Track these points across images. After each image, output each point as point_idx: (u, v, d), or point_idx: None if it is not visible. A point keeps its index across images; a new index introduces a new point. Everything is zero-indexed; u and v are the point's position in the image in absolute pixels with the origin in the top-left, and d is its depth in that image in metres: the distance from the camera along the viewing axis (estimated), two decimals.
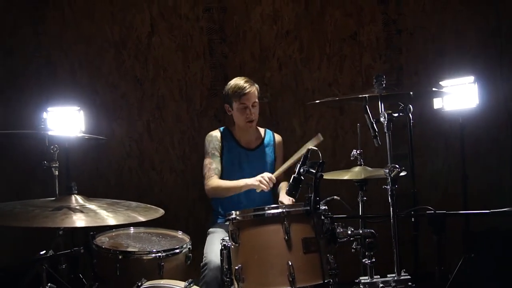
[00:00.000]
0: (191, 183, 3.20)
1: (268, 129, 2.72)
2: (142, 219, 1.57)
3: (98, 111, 3.20)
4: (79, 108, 2.69)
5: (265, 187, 2.23)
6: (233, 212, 1.67)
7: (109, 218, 1.45)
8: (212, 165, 2.45)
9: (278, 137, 2.70)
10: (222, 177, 2.47)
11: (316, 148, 1.71)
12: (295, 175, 1.65)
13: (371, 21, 3.23)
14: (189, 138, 3.22)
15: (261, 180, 2.23)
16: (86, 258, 1.77)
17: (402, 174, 2.24)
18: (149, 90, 3.22)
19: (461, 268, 2.58)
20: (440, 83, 2.75)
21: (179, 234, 2.24)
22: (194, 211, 3.22)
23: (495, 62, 3.28)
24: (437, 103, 2.71)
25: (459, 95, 2.55)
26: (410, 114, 2.26)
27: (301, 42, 3.23)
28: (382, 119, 1.76)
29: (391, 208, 1.60)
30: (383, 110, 1.80)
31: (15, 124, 2.93)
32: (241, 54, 3.22)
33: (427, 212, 1.70)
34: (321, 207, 1.61)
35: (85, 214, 1.44)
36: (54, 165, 2.15)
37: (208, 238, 2.36)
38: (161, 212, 1.69)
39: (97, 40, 3.22)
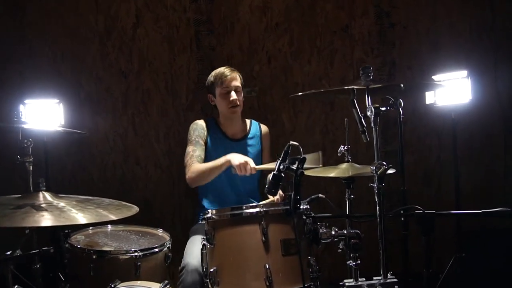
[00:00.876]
0: (176, 179, 3.11)
1: (254, 119, 2.63)
2: (113, 217, 1.48)
3: (82, 104, 3.11)
4: (58, 100, 2.59)
5: (241, 173, 2.14)
6: (209, 210, 1.59)
7: (76, 217, 1.36)
8: (195, 152, 2.36)
9: (264, 128, 2.62)
10: None
11: (297, 144, 1.62)
12: (274, 171, 1.56)
13: (363, 13, 3.14)
14: (174, 133, 3.13)
15: (243, 164, 2.12)
16: (60, 257, 1.67)
17: (390, 171, 2.16)
18: (134, 83, 3.12)
19: (452, 267, 2.52)
20: (433, 77, 2.67)
21: (159, 232, 2.16)
22: (180, 207, 3.14)
23: (490, 57, 3.20)
24: (429, 98, 2.63)
25: (452, 90, 2.47)
26: (400, 109, 2.19)
27: (291, 35, 3.13)
28: (369, 113, 1.67)
29: (378, 207, 1.52)
30: (370, 104, 1.70)
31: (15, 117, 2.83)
32: (229, 46, 3.13)
33: (416, 212, 1.61)
34: (302, 206, 1.53)
35: (50, 212, 1.35)
36: (27, 160, 2.04)
37: (190, 238, 2.27)
38: (135, 210, 1.60)
39: (81, 31, 3.12)
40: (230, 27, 3.13)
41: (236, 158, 2.16)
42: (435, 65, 3.17)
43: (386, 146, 3.17)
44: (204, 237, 1.74)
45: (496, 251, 2.59)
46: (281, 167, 1.53)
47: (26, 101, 2.53)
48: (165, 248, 1.97)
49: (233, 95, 2.36)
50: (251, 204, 1.59)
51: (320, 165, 2.02)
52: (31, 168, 2.06)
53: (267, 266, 1.45)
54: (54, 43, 3.09)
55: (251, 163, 2.13)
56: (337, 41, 3.15)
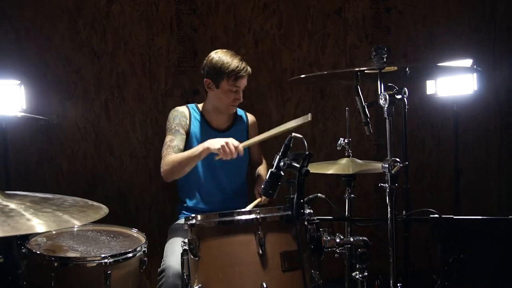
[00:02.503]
0: (153, 171, 2.87)
1: (239, 108, 2.38)
2: (76, 222, 1.23)
3: (49, 87, 2.81)
4: (19, 82, 2.30)
5: (227, 156, 1.87)
6: (194, 216, 1.35)
7: (29, 224, 1.12)
8: (173, 142, 2.09)
9: (251, 117, 2.39)
10: None
11: (300, 136, 1.40)
12: (272, 169, 1.34)
13: None
14: (152, 120, 2.88)
15: (225, 146, 1.86)
16: (12, 267, 1.42)
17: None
18: (108, 65, 2.84)
19: (449, 268, 2.38)
20: (438, 65, 2.48)
21: (134, 232, 1.92)
22: (157, 201, 2.90)
23: (488, 48, 3.06)
24: (430, 88, 2.45)
25: (455, 80, 2.29)
26: (405, 99, 2.01)
27: (280, 17, 2.90)
28: (381, 102, 1.45)
29: (389, 211, 1.32)
30: (383, 91, 1.48)
31: None
32: (213, 27, 2.87)
33: (431, 216, 1.42)
34: (305, 211, 1.30)
35: None
36: None
37: (169, 238, 2.03)
38: (103, 212, 1.35)
39: (47, 5, 2.80)
40: (214, 6, 2.87)
41: (215, 142, 1.90)
42: (431, 53, 3.01)
43: (379, 139, 2.99)
44: (184, 240, 1.52)
45: (495, 253, 2.46)
46: (281, 164, 1.31)
47: None
48: (140, 253, 1.74)
49: (240, 96, 2.14)
50: (243, 210, 1.35)
51: (310, 119, 1.86)
52: None
53: (265, 285, 1.22)
54: (15, 17, 2.77)
55: (234, 142, 1.88)
56: (330, 24, 2.94)
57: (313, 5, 2.91)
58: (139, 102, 2.87)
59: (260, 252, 1.24)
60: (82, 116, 2.84)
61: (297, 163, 1.27)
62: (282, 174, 1.33)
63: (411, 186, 2.98)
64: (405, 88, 1.76)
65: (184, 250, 1.49)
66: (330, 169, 1.85)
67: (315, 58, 2.94)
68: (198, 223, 1.32)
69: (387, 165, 1.31)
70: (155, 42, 2.85)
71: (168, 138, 2.12)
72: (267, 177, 1.35)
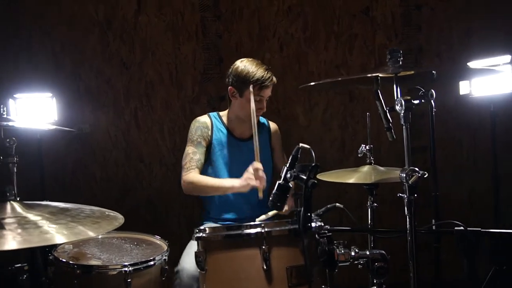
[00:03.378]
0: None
1: (261, 116, 2.35)
2: (91, 234, 1.26)
3: (81, 98, 2.92)
4: (51, 94, 2.39)
5: (255, 183, 1.86)
6: (201, 228, 1.33)
7: (43, 236, 1.15)
8: (196, 155, 2.10)
9: (273, 125, 2.34)
10: (207, 170, 2.14)
11: (308, 146, 1.35)
12: (280, 181, 1.30)
13: None
14: (179, 128, 2.91)
15: (249, 177, 1.85)
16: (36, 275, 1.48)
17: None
18: (136, 74, 2.91)
19: (490, 280, 2.23)
20: (468, 64, 2.34)
21: (157, 239, 1.94)
22: (186, 207, 2.93)
23: None
24: (463, 88, 2.31)
25: (491, 78, 2.15)
26: (432, 101, 1.90)
27: (305, 19, 2.85)
28: (398, 107, 1.38)
29: (408, 222, 1.24)
30: (399, 96, 1.41)
31: None
32: (238, 33, 2.87)
33: (456, 228, 1.32)
34: (315, 224, 1.25)
35: (10, 231, 1.13)
36: (11, 161, 1.85)
37: (190, 242, 2.04)
38: (118, 222, 1.37)
39: (80, 20, 2.91)
40: (238, 12, 2.87)
41: (239, 181, 1.91)
42: (467, 51, 2.85)
43: (413, 142, 2.84)
44: None
45: None
46: (288, 175, 1.26)
47: (17, 95, 2.34)
48: (161, 261, 1.75)
49: (264, 106, 2.12)
50: (251, 223, 1.31)
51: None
52: (15, 170, 1.87)
53: None
54: (52, 33, 2.90)
55: (250, 169, 1.87)
56: (357, 25, 2.85)
57: (339, 6, 2.84)
58: (167, 110, 2.91)
59: (265, 267, 1.22)
60: (113, 124, 2.92)
61: (304, 175, 1.22)
62: (291, 186, 1.28)
63: (447, 192, 2.86)
64: (432, 90, 1.66)
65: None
66: (351, 177, 1.78)
67: (342, 60, 2.87)
68: (205, 236, 1.31)
69: (404, 175, 1.23)
70: (181, 51, 2.89)
71: (190, 149, 2.13)
72: (274, 189, 1.32)
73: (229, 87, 2.17)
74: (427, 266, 2.51)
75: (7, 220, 1.21)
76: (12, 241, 1.08)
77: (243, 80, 2.08)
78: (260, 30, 2.86)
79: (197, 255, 1.31)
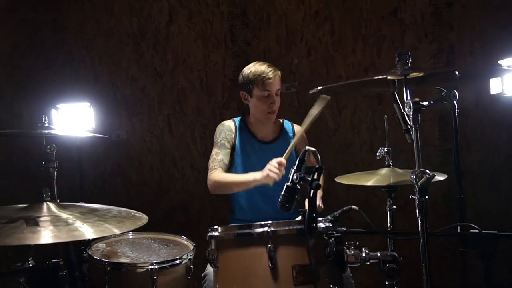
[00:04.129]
0: None
1: (286, 119, 2.38)
2: (116, 231, 1.36)
3: (118, 106, 3.09)
4: (89, 104, 2.56)
5: (276, 176, 1.86)
6: (214, 227, 1.39)
7: (72, 233, 1.25)
8: (218, 156, 2.16)
9: (298, 128, 2.35)
10: (232, 172, 2.20)
11: (314, 149, 1.38)
12: (288, 183, 1.33)
13: None
14: (210, 133, 2.96)
15: (270, 170, 1.87)
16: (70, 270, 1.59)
17: (441, 178, 1.84)
18: (169, 82, 3.04)
19: None
20: (500, 62, 2.26)
21: (183, 240, 2.01)
22: (218, 210, 3.00)
23: None
24: (495, 87, 2.24)
25: None
26: (455, 102, 1.86)
27: (332, 23, 2.86)
28: (407, 109, 1.38)
29: (420, 224, 1.23)
30: (408, 98, 1.41)
31: (37, 122, 2.88)
32: (266, 39, 2.92)
33: (471, 231, 1.30)
34: (322, 225, 1.28)
35: (43, 227, 1.25)
36: (51, 166, 2.00)
37: None
38: (142, 221, 1.46)
39: (116, 33, 3.09)
40: (266, 19, 2.92)
41: (260, 175, 1.93)
42: (503, 48, 2.73)
43: (444, 144, 2.79)
44: None
45: None
46: (295, 177, 1.30)
47: (59, 105, 2.52)
48: (186, 260, 1.82)
49: (275, 101, 2.14)
50: (261, 222, 1.36)
51: (329, 98, 1.87)
52: (55, 174, 2.01)
53: None
54: (91, 46, 3.10)
55: (273, 162, 1.89)
56: (385, 26, 2.82)
57: (366, 8, 2.82)
58: (198, 116, 3.01)
59: (270, 265, 1.25)
60: (147, 131, 3.06)
61: (309, 177, 1.24)
62: (298, 187, 1.31)
63: (485, 195, 2.75)
64: (455, 91, 1.64)
65: None
66: (370, 180, 1.77)
67: (370, 62, 2.84)
68: (217, 235, 1.37)
69: (414, 177, 1.23)
70: (211, 58, 2.98)
71: (214, 151, 2.20)
72: (283, 191, 1.35)
73: (240, 92, 2.24)
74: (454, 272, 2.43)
75: (42, 218, 1.33)
76: (44, 237, 1.19)
77: (248, 81, 2.15)
78: (288, 35, 2.90)
79: (209, 253, 1.37)
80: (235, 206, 2.25)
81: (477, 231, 1.29)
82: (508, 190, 2.77)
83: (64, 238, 1.21)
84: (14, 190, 2.81)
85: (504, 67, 2.15)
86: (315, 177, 1.23)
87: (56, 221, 1.31)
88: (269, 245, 1.26)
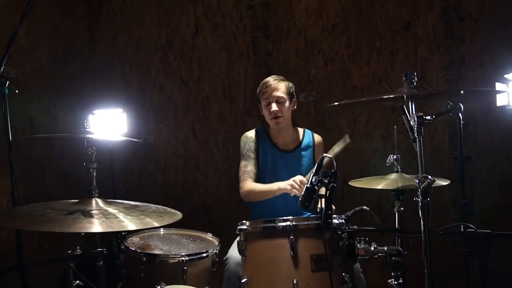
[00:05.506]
0: (235, 184, 3.14)
1: (308, 128, 2.56)
2: (156, 224, 1.55)
3: (147, 112, 3.30)
4: (122, 110, 2.78)
5: (297, 192, 2.10)
6: (243, 222, 1.59)
7: (121, 223, 1.45)
8: (247, 167, 2.37)
9: (318, 138, 2.52)
10: (257, 180, 2.39)
11: (330, 156, 1.55)
12: (308, 185, 1.52)
13: (427, 9, 2.93)
14: (233, 138, 3.19)
15: (293, 184, 2.11)
16: (112, 258, 1.80)
17: (444, 183, 1.99)
18: (194, 90, 3.24)
19: None
20: (506, 76, 2.41)
21: (209, 236, 2.21)
22: (238, 211, 3.19)
23: None
24: (500, 100, 2.38)
25: None
26: (460, 114, 2.01)
27: (349, 36, 3.03)
28: (412, 123, 1.56)
29: (422, 223, 1.40)
30: (413, 112, 1.59)
31: (72, 125, 3.12)
32: (285, 51, 3.11)
33: (467, 230, 1.46)
34: (336, 221, 1.46)
35: (97, 219, 1.45)
36: (91, 166, 2.21)
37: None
38: (177, 217, 1.66)
39: (145, 43, 3.32)
40: (286, 32, 3.11)
41: (284, 183, 2.16)
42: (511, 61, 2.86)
43: (455, 152, 2.92)
44: None
45: None
46: (313, 180, 1.48)
47: (95, 111, 2.74)
48: (212, 254, 2.01)
49: (273, 107, 2.32)
50: (283, 218, 1.56)
51: (348, 141, 2.05)
52: (94, 174, 2.22)
53: (295, 282, 1.42)
54: (122, 55, 3.33)
55: (297, 178, 2.10)
56: (399, 40, 2.98)
57: (380, 22, 2.99)
58: (221, 122, 3.21)
59: (292, 254, 1.45)
60: (173, 135, 3.27)
61: (326, 179, 1.43)
62: (316, 189, 1.50)
63: (494, 200, 2.87)
64: (460, 104, 1.80)
65: None
66: (380, 184, 1.95)
67: (384, 73, 3.00)
68: (246, 228, 1.56)
69: (417, 181, 1.40)
70: (234, 68, 3.18)
71: (242, 163, 2.40)
72: (303, 192, 1.54)
73: (258, 105, 2.47)
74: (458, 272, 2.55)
75: (93, 212, 1.53)
76: (98, 226, 1.39)
77: (257, 94, 2.44)
78: (306, 47, 3.08)
79: (239, 243, 1.57)
80: (257, 211, 2.40)
81: (473, 230, 1.45)
82: None
83: (116, 228, 1.41)
84: (50, 187, 3.05)
85: (503, 86, 2.30)
86: (331, 180, 1.41)
87: (106, 214, 1.51)
88: (291, 237, 1.45)
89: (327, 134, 2.68)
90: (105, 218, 1.46)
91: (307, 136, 2.50)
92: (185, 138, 3.27)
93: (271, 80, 2.38)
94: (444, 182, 1.97)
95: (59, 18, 3.23)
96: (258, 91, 2.42)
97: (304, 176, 2.17)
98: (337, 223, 1.48)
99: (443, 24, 2.93)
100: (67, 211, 1.49)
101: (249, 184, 2.33)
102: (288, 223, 1.50)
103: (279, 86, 2.34)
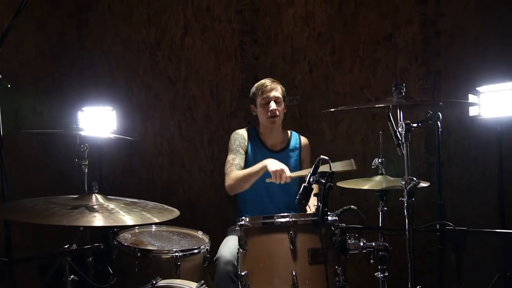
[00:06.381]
0: (219, 183, 3.24)
1: (294, 131, 2.68)
2: (156, 220, 1.61)
3: (134, 110, 3.33)
4: (112, 108, 2.80)
5: (276, 180, 2.17)
6: (243, 218, 1.68)
7: (124, 219, 1.51)
8: (235, 160, 2.43)
9: (304, 140, 2.65)
10: None
11: (327, 158, 1.67)
12: (305, 184, 1.63)
13: (407, 22, 3.11)
14: (218, 138, 3.27)
15: (278, 171, 2.15)
16: (108, 253, 1.84)
17: (425, 184, 2.15)
18: (181, 90, 3.30)
19: (495, 286, 2.44)
20: (478, 88, 2.60)
21: (199, 234, 2.28)
22: (221, 210, 3.27)
23: None
24: (473, 110, 2.57)
25: (497, 101, 2.40)
26: (439, 122, 2.17)
27: (333, 45, 3.17)
28: (400, 129, 1.70)
29: (407, 222, 1.54)
30: (401, 120, 1.73)
31: (58, 122, 3.11)
32: (272, 56, 3.22)
33: (446, 228, 1.61)
34: (330, 218, 1.58)
35: (101, 213, 1.50)
36: (83, 163, 2.25)
37: (226, 236, 2.38)
38: (175, 213, 1.73)
39: (134, 41, 3.34)
40: (273, 37, 3.22)
41: (273, 164, 2.20)
42: (482, 75, 3.07)
43: (430, 158, 3.11)
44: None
45: None
46: (311, 179, 1.60)
47: (84, 108, 2.76)
48: (204, 250, 2.09)
49: (272, 105, 2.43)
50: (282, 214, 1.66)
51: (355, 168, 2.10)
52: (86, 171, 2.26)
53: (294, 273, 1.52)
54: (110, 53, 3.34)
55: (287, 171, 2.18)
56: (380, 50, 3.14)
57: (364, 32, 3.14)
58: (207, 122, 3.28)
59: (291, 247, 1.56)
60: (159, 134, 3.31)
61: (323, 179, 1.55)
62: (313, 188, 1.61)
63: (462, 203, 3.08)
64: (439, 113, 1.95)
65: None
66: (366, 185, 2.09)
67: (366, 81, 3.16)
68: (246, 223, 1.66)
69: (404, 182, 1.54)
70: (222, 70, 3.26)
71: (230, 157, 2.47)
72: (300, 190, 1.65)
73: (250, 106, 2.60)
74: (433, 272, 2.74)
75: (95, 207, 1.58)
76: (105, 220, 1.44)
77: (253, 94, 2.55)
78: (293, 53, 3.20)
79: (240, 238, 1.66)
80: (244, 205, 2.52)
81: (451, 227, 1.61)
82: (482, 199, 3.12)
83: (121, 222, 1.47)
84: (32, 183, 3.03)
85: (477, 96, 2.50)
86: (328, 180, 1.52)
87: (110, 209, 1.57)
88: (291, 232, 1.56)
89: (310, 137, 2.79)
90: (109, 213, 1.51)
91: (294, 138, 2.63)
92: (171, 137, 3.32)
93: (269, 81, 2.49)
94: (425, 184, 2.13)
95: (46, 13, 3.21)
96: (253, 91, 2.52)
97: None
98: (331, 220, 1.60)
99: (422, 37, 3.11)
100: (70, 206, 1.53)
101: (234, 173, 2.37)
102: (287, 219, 1.61)
103: (277, 87, 2.47)
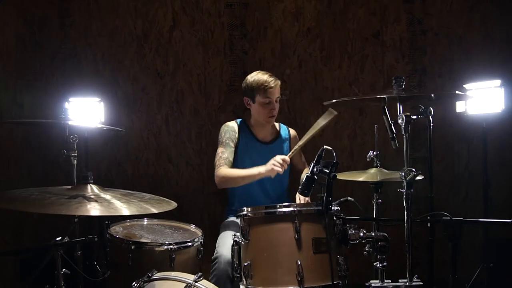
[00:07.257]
0: (206, 177, 3.22)
1: (282, 123, 2.68)
2: (154, 210, 1.58)
3: (119, 103, 3.25)
4: (100, 99, 2.74)
5: (280, 170, 2.16)
6: (245, 208, 1.68)
7: (123, 209, 1.47)
8: (224, 154, 2.41)
9: (293, 132, 2.67)
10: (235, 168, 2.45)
11: (330, 148, 1.68)
12: (308, 174, 1.63)
13: (395, 20, 3.17)
14: (206, 133, 3.24)
15: (275, 164, 2.16)
16: (100, 247, 1.79)
17: (419, 178, 2.20)
18: (169, 83, 3.25)
19: (478, 277, 2.52)
20: (464, 86, 2.67)
21: (192, 227, 2.26)
22: (209, 205, 3.24)
23: None
24: (460, 107, 2.64)
25: (483, 99, 2.48)
26: (430, 117, 2.22)
27: (322, 40, 3.19)
28: (400, 121, 1.73)
29: (406, 213, 1.57)
30: (401, 112, 1.76)
31: (40, 113, 3.01)
32: (262, 50, 3.21)
33: (443, 218, 1.65)
34: (333, 208, 1.60)
35: (99, 203, 1.46)
36: (73, 154, 2.18)
37: (221, 232, 2.36)
38: (173, 205, 1.70)
39: (120, 33, 3.27)
40: (263, 32, 3.21)
41: (265, 167, 2.20)
42: (467, 73, 3.16)
43: (414, 153, 3.18)
44: (236, 233, 1.84)
45: None
46: (315, 170, 1.60)
47: (71, 99, 2.68)
48: (198, 243, 2.07)
49: (276, 107, 2.42)
50: (284, 204, 1.67)
51: (335, 113, 2.19)
52: (75, 162, 2.20)
53: (299, 263, 1.53)
54: (95, 44, 3.25)
55: (278, 157, 2.17)
56: (368, 47, 3.19)
57: (352, 29, 3.18)
58: (195, 116, 3.24)
59: (296, 237, 1.58)
60: (146, 128, 3.25)
61: (327, 169, 1.56)
62: (316, 178, 1.62)
63: (446, 197, 3.16)
64: (431, 108, 2.00)
65: (235, 241, 1.81)
66: (361, 176, 2.12)
67: (354, 77, 3.20)
68: (249, 214, 1.65)
69: (403, 173, 1.57)
70: (210, 64, 3.23)
71: (219, 150, 2.45)
72: (303, 180, 1.66)
73: (243, 98, 2.52)
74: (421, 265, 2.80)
75: (92, 196, 1.53)
76: (104, 210, 1.41)
77: (251, 89, 2.44)
78: (282, 48, 3.20)
79: (242, 228, 1.65)
80: (234, 199, 2.51)
81: (448, 218, 1.65)
82: (465, 193, 3.21)
83: (121, 212, 1.44)
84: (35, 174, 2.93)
85: (467, 93, 2.57)
86: (333, 170, 1.53)
87: (107, 199, 1.53)
88: (296, 221, 1.56)
89: (298, 132, 2.80)
90: (108, 203, 1.48)
91: (283, 129, 2.64)
92: (158, 131, 3.26)
93: (272, 80, 2.40)
94: (419, 177, 2.18)
95: (27, 1, 3.10)
96: (253, 86, 2.41)
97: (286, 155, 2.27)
98: (334, 210, 1.61)
99: (408, 35, 3.18)
100: (67, 196, 1.48)
101: (225, 170, 2.36)
102: (292, 208, 1.62)
103: (278, 85, 2.44)
